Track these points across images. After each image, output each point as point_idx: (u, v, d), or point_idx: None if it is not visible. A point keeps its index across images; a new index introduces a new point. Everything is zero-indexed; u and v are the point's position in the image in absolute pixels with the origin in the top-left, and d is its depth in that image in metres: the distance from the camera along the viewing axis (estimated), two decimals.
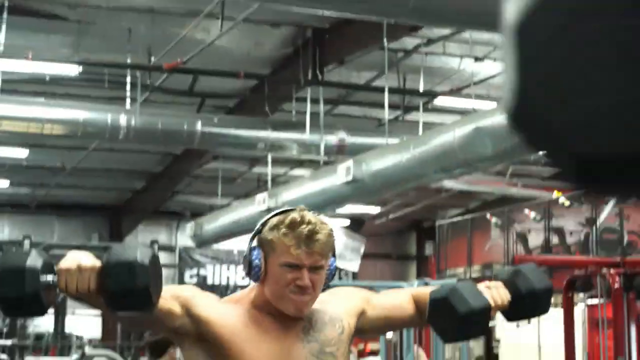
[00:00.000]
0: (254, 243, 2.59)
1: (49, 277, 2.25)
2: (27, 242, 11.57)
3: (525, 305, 2.63)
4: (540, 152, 1.16)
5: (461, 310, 2.48)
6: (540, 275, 2.66)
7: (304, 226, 2.51)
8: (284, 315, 2.59)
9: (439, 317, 2.55)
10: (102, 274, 2.26)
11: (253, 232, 2.61)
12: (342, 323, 2.68)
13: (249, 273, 2.60)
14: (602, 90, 1.01)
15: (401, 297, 2.82)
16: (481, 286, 2.62)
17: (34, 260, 2.23)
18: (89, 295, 2.29)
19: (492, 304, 2.57)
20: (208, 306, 2.57)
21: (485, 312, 2.52)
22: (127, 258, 2.26)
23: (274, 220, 2.57)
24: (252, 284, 2.67)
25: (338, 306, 2.71)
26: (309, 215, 2.56)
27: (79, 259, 2.28)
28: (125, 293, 2.24)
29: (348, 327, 2.69)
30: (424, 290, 2.77)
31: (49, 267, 2.26)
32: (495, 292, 2.62)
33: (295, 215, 2.55)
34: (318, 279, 2.54)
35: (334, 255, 2.64)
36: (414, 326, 2.74)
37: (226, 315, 2.57)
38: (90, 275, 2.26)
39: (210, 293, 2.70)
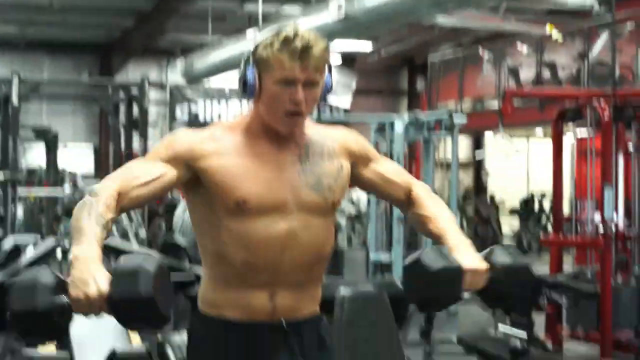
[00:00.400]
0: (249, 61, 2.57)
1: (62, 298, 2.18)
2: (16, 79, 11.48)
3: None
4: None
5: (433, 268, 2.39)
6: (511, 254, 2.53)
7: (297, 41, 2.49)
8: (280, 139, 2.60)
9: (413, 279, 2.43)
10: (109, 295, 2.16)
11: (247, 52, 2.59)
12: (339, 160, 2.68)
13: (243, 91, 2.58)
14: None
15: (399, 177, 2.78)
16: (464, 252, 2.51)
17: (47, 277, 2.17)
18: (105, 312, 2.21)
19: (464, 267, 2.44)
20: (205, 151, 2.55)
21: (457, 276, 2.41)
22: (129, 266, 2.18)
23: (268, 38, 2.55)
24: (246, 110, 2.67)
25: (337, 144, 2.70)
26: (303, 31, 2.53)
27: (85, 288, 2.17)
28: (129, 304, 2.15)
29: (346, 167, 2.69)
30: (423, 194, 2.74)
31: (61, 287, 2.18)
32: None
33: (288, 31, 2.53)
34: (312, 95, 2.54)
35: (330, 71, 2.62)
36: (395, 206, 2.65)
37: (219, 149, 2.56)
38: (100, 302, 2.17)
39: (201, 130, 2.64)
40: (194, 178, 2.56)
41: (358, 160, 2.73)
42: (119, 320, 2.20)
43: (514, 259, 2.49)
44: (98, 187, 2.42)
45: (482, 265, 2.48)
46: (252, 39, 14.27)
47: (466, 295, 2.51)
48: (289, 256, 2.55)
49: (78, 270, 2.18)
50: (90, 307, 2.17)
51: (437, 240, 2.63)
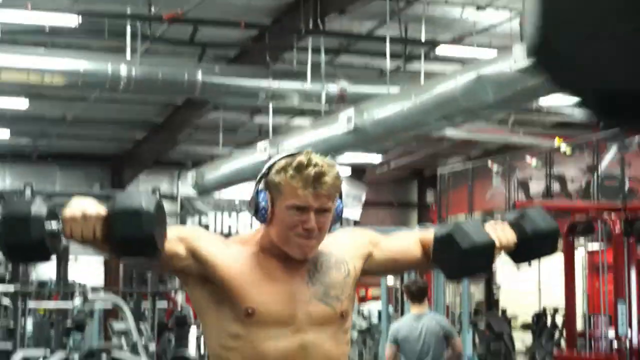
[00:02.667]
0: (261, 185, 2.59)
1: (54, 224, 2.27)
2: (28, 191, 11.56)
3: (531, 245, 2.63)
4: (564, 90, 1.17)
5: (464, 245, 2.49)
6: (546, 217, 2.65)
7: (310, 168, 2.51)
8: (290, 257, 2.60)
9: (444, 252, 2.55)
10: (107, 221, 2.27)
11: (260, 175, 2.61)
12: (347, 266, 2.67)
13: (255, 214, 2.59)
14: (622, 25, 1.04)
15: (408, 240, 2.80)
16: (487, 225, 2.62)
17: (39, 207, 2.25)
18: (94, 241, 2.32)
19: (497, 242, 2.57)
20: (213, 247, 2.57)
21: (489, 248, 2.52)
22: (132, 205, 2.27)
23: (281, 162, 2.57)
24: (258, 225, 2.68)
25: (344, 249, 2.70)
26: (316, 158, 2.55)
27: (84, 207, 2.30)
28: (131, 240, 2.26)
29: (354, 270, 2.68)
30: (430, 232, 2.74)
31: (53, 214, 2.28)
32: (501, 232, 2.62)
33: (302, 158, 2.54)
34: (324, 221, 2.55)
35: (340, 198, 2.63)
36: (420, 268, 2.68)
37: (231, 257, 2.57)
38: (96, 223, 2.28)
39: (215, 234, 2.70)
40: (203, 277, 2.56)
41: (365, 252, 2.73)
42: (115, 251, 2.31)
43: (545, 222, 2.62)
44: None
45: (512, 237, 2.60)
46: (262, 150, 14.43)
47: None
48: None
49: (76, 200, 2.33)
50: (86, 226, 2.27)
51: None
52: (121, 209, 2.26)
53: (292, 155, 2.58)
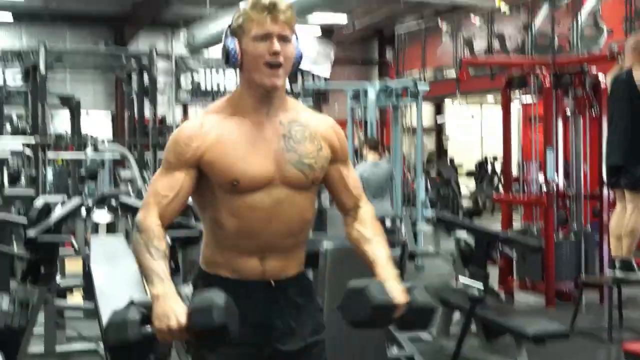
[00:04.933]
0: (228, 33, 2.53)
1: (148, 328, 2.31)
2: (42, 49, 11.27)
3: (414, 317, 2.54)
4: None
5: (375, 301, 2.42)
6: (428, 297, 2.57)
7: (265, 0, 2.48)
8: (266, 115, 2.53)
9: (353, 303, 2.46)
10: (189, 321, 2.29)
11: (226, 28, 2.55)
12: (320, 143, 2.60)
13: (227, 62, 2.53)
14: None
15: (355, 189, 2.69)
16: (392, 287, 2.48)
17: (133, 313, 2.30)
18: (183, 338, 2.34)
19: (399, 306, 2.46)
20: (204, 146, 2.50)
21: (393, 309, 2.45)
22: (205, 303, 2.29)
23: (240, 9, 2.53)
24: (230, 91, 2.61)
25: (320, 129, 2.62)
26: None
27: (168, 321, 2.28)
28: (208, 333, 2.29)
29: (326, 150, 2.61)
30: (369, 215, 2.67)
31: (147, 319, 2.31)
32: (401, 297, 2.47)
33: None
34: (287, 51, 2.49)
35: (297, 37, 2.56)
36: (338, 209, 2.60)
37: (210, 136, 2.51)
38: (180, 331, 2.28)
39: (196, 121, 2.57)
40: (200, 170, 2.52)
41: (334, 155, 2.64)
42: (198, 341, 2.34)
43: (427, 300, 2.54)
44: (142, 222, 2.47)
45: (405, 299, 2.48)
46: None
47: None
48: (275, 225, 2.53)
49: (160, 307, 2.30)
50: (172, 335, 2.30)
51: (369, 264, 2.59)
52: (196, 308, 2.30)
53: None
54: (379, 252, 2.60)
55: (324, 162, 2.60)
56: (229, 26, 2.54)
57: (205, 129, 2.52)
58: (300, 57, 2.58)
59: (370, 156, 9.06)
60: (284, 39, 2.48)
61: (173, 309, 2.29)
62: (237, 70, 2.56)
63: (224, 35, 2.53)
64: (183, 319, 2.28)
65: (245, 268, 2.54)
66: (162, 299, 2.31)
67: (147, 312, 2.33)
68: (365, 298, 2.43)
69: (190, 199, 2.58)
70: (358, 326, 2.52)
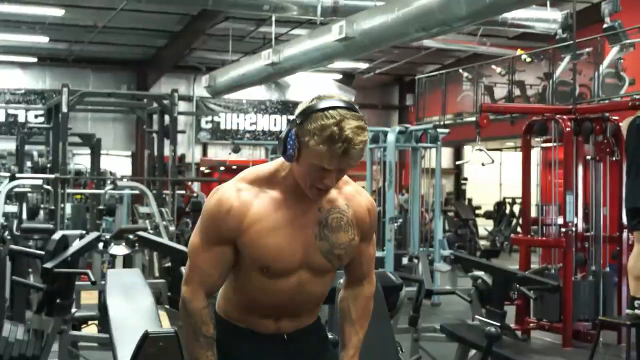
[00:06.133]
0: (293, 130, 2.32)
1: None
2: (65, 90, 11.44)
3: None
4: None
5: None
6: None
7: (339, 145, 2.24)
8: (306, 199, 2.44)
9: None
10: None
11: (295, 115, 2.34)
12: (355, 232, 2.53)
13: (283, 154, 2.37)
14: None
15: (365, 267, 2.65)
16: None
17: None
18: None
19: None
20: (244, 224, 2.42)
21: None
22: None
23: (316, 122, 2.27)
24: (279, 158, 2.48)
25: (357, 214, 2.54)
26: (348, 127, 2.24)
27: None
28: None
29: (357, 238, 2.55)
30: (365, 297, 2.67)
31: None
32: None
33: (334, 128, 2.24)
34: (342, 175, 2.41)
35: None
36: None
37: (256, 215, 2.42)
38: None
39: (239, 186, 2.46)
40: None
41: (362, 234, 2.58)
42: None
43: None
44: (189, 305, 2.47)
45: None
46: (266, 57, 14.25)
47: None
48: (295, 301, 2.52)
49: None
50: None
51: (341, 342, 2.65)
52: None
53: (325, 113, 2.26)
54: (353, 338, 2.63)
55: (353, 251, 2.56)
56: (297, 118, 2.32)
57: (243, 203, 2.43)
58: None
59: None
60: (343, 170, 2.38)
61: None
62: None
63: (288, 123, 2.36)
64: None
65: (260, 325, 2.54)
66: None
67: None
68: None
69: None
70: None
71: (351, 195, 2.55)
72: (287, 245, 2.44)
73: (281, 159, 2.45)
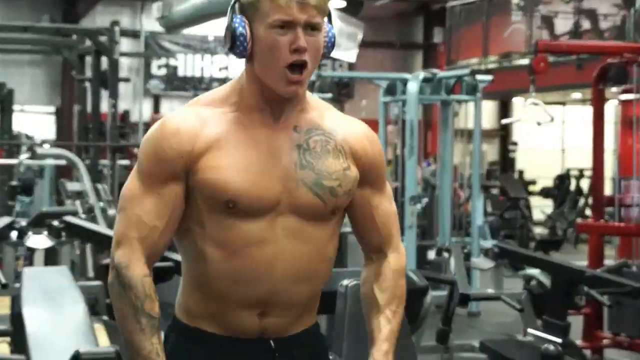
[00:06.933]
0: (235, 10, 2.48)
1: None
2: None
3: None
4: None
5: None
6: None
7: None
8: (277, 118, 2.51)
9: None
10: None
11: (232, 1, 2.50)
12: (349, 162, 2.56)
13: (232, 48, 2.48)
14: None
15: (386, 227, 2.68)
16: None
17: None
18: None
19: None
20: (198, 149, 2.46)
21: None
22: None
23: None
24: (234, 77, 2.58)
25: (350, 140, 2.60)
26: None
27: None
28: None
29: (355, 169, 2.58)
30: (393, 271, 2.68)
31: None
32: None
33: None
34: (314, 44, 2.45)
35: (329, 19, 2.53)
36: (359, 243, 2.59)
37: (212, 139, 2.48)
38: None
39: (186, 111, 2.55)
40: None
41: (365, 177, 2.61)
42: None
43: None
44: (126, 272, 2.45)
45: None
46: None
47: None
48: (281, 266, 2.50)
49: None
50: None
51: (369, 334, 2.64)
52: None
53: None
54: (384, 329, 2.63)
55: (352, 185, 2.57)
56: (238, 0, 2.50)
57: (200, 124, 2.50)
58: (332, 45, 2.55)
59: None
60: (312, 27, 2.45)
61: None
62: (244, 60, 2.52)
63: (229, 10, 2.48)
64: None
65: (238, 324, 2.53)
66: None
67: None
68: None
69: None
70: None
71: (338, 118, 2.62)
72: (259, 173, 2.47)
73: (236, 78, 2.56)
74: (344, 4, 21.07)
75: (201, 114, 2.52)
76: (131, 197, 2.48)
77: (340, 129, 2.59)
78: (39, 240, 7.27)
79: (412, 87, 10.65)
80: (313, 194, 2.50)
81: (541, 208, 20.25)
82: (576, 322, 7.37)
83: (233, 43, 2.47)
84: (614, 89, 9.11)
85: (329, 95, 12.54)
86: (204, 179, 2.46)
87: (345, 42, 21.06)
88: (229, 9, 2.48)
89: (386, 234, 2.68)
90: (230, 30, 2.46)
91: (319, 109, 2.60)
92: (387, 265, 2.68)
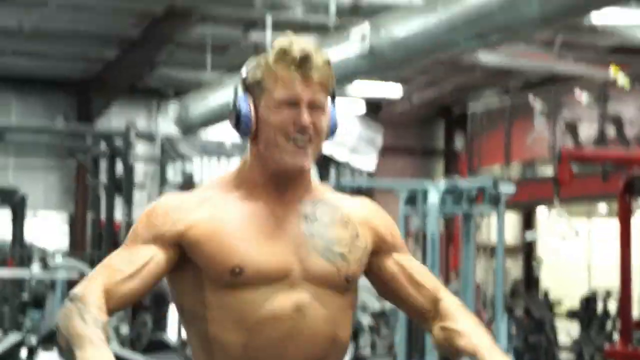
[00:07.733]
0: (239, 90, 2.58)
1: None
2: None
3: None
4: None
5: None
6: None
7: (295, 48, 2.52)
8: (282, 194, 2.57)
9: None
10: None
11: (239, 81, 2.61)
12: (357, 230, 2.63)
13: (237, 126, 2.57)
14: None
15: (429, 282, 2.73)
16: None
17: None
18: None
19: None
20: (193, 220, 2.53)
21: None
22: None
23: (260, 58, 2.58)
24: (237, 163, 2.67)
25: (357, 213, 2.67)
26: (299, 39, 2.55)
27: None
28: None
29: (364, 239, 2.64)
30: (455, 305, 2.70)
31: None
32: None
33: (283, 41, 2.55)
34: (319, 120, 2.54)
35: (333, 100, 2.61)
36: (414, 319, 2.58)
37: (212, 213, 2.54)
38: None
39: (188, 193, 2.67)
40: (183, 255, 2.55)
41: (381, 245, 2.68)
42: None
43: None
44: (80, 291, 2.43)
45: None
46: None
47: None
48: (295, 340, 2.51)
49: None
50: None
51: (471, 355, 2.59)
52: None
53: (271, 48, 2.59)
54: (477, 339, 2.60)
55: (362, 254, 2.62)
56: (243, 79, 2.59)
57: (200, 199, 2.58)
58: (335, 127, 2.63)
59: None
60: (316, 106, 2.53)
61: None
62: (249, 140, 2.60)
63: (233, 92, 2.59)
64: None
65: None
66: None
67: None
68: None
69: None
70: None
71: (340, 196, 2.73)
72: (266, 239, 2.53)
73: (241, 160, 2.68)
74: (364, 108, 21.23)
75: (203, 195, 2.60)
76: (111, 254, 2.58)
77: (345, 202, 2.68)
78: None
79: (433, 197, 10.64)
80: (325, 259, 2.56)
81: (567, 331, 20.06)
82: None
83: (237, 122, 2.56)
84: None
85: None
86: (202, 247, 2.51)
87: (365, 147, 21.23)
88: (234, 89, 2.59)
89: (432, 285, 2.73)
90: (235, 110, 2.56)
91: (323, 190, 2.70)
92: (446, 306, 2.70)
